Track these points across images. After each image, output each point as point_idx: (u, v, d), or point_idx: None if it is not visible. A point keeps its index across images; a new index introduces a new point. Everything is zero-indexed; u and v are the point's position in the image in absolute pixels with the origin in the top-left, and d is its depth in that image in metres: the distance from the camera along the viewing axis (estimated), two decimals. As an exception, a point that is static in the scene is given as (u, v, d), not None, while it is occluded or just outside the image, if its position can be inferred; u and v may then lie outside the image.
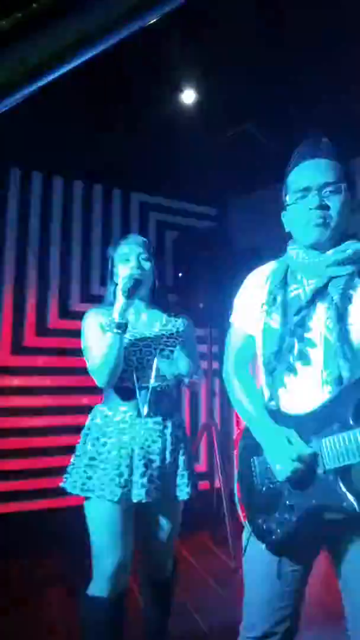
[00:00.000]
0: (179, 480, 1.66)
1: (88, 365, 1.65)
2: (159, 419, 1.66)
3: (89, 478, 1.58)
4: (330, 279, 1.19)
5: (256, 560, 1.25)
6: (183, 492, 1.66)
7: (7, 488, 3.08)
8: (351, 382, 1.10)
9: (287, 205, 1.28)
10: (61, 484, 1.65)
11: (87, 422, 1.71)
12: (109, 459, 1.58)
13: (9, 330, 3.24)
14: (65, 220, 3.53)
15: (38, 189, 3.44)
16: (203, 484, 2.50)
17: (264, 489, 1.23)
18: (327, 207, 1.19)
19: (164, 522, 1.69)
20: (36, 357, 3.29)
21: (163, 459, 1.63)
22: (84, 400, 3.32)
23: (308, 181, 1.21)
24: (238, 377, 1.36)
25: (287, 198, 1.28)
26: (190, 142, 3.13)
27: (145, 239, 1.79)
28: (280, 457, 1.14)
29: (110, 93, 2.71)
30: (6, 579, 2.68)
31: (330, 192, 1.20)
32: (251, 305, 1.34)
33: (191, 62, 2.52)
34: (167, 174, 3.57)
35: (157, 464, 1.61)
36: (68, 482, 1.63)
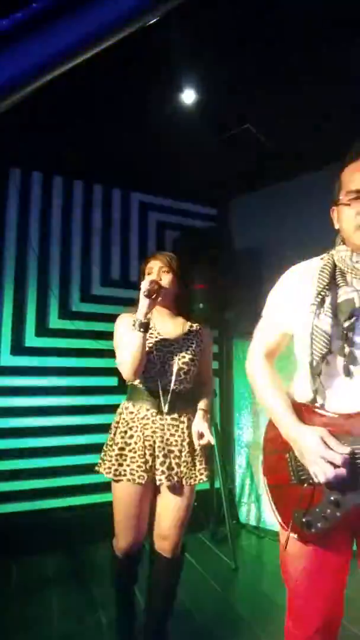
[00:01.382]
0: (198, 465, 1.92)
1: (117, 359, 1.90)
2: (176, 415, 1.91)
3: (120, 465, 1.85)
4: None
5: (299, 556, 1.23)
6: (203, 475, 1.92)
7: (7, 488, 3.08)
8: None
9: (339, 203, 1.22)
10: (96, 468, 1.94)
11: (116, 417, 1.97)
12: (136, 449, 1.85)
13: (9, 330, 3.24)
14: (65, 220, 3.52)
15: (38, 189, 3.44)
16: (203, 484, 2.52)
17: (302, 484, 1.20)
18: None
19: (177, 500, 1.92)
20: (36, 357, 3.29)
21: (180, 450, 1.89)
22: (84, 400, 3.33)
23: None
24: (266, 372, 1.33)
25: (340, 196, 1.22)
26: (190, 142, 3.13)
27: (170, 255, 2.02)
28: (318, 462, 1.11)
29: (110, 93, 2.71)
30: (6, 579, 2.68)
31: None
32: (291, 302, 1.30)
33: (191, 62, 2.52)
34: (167, 174, 3.57)
35: (175, 453, 1.88)
36: (103, 468, 1.90)
